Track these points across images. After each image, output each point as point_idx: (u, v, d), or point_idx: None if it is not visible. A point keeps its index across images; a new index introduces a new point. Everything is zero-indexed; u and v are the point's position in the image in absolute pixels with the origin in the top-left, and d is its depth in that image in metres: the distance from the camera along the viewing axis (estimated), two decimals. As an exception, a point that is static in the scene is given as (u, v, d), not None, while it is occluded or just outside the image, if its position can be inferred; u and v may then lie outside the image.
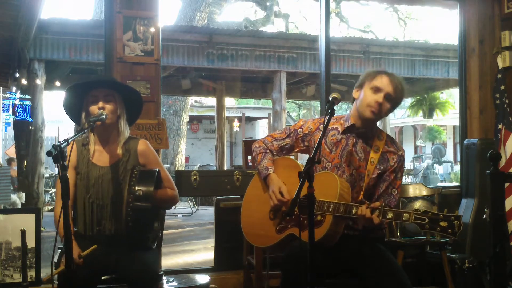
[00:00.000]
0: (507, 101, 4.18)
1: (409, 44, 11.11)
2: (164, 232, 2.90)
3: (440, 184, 11.31)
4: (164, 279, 2.95)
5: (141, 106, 2.62)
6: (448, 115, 12.53)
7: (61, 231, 2.06)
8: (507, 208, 3.77)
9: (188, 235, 7.63)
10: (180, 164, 12.41)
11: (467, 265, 3.65)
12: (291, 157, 2.61)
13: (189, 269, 4.05)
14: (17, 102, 10.86)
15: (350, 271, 2.37)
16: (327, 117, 2.12)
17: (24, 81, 8.26)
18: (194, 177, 3.74)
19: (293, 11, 31.26)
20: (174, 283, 3.06)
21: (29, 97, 8.86)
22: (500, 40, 4.29)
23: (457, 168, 16.59)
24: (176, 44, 8.37)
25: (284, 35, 10.70)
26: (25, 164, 8.31)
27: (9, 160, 10.95)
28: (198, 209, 10.62)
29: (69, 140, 2.04)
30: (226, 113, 12.47)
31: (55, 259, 2.41)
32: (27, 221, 3.26)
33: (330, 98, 2.20)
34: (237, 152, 20.64)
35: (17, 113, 10.42)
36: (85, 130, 2.32)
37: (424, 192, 3.69)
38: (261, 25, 14.89)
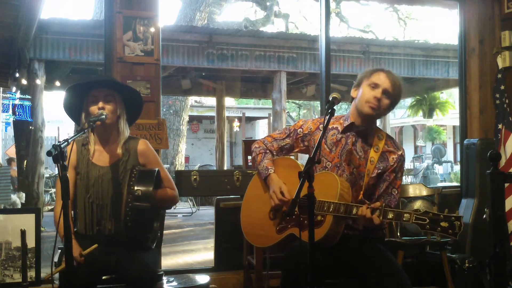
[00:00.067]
0: (507, 101, 4.18)
1: (409, 44, 11.11)
2: (164, 232, 2.90)
3: (440, 184, 11.31)
4: (164, 279, 2.94)
5: (141, 106, 2.62)
6: (448, 115, 12.53)
7: (61, 231, 2.06)
8: (507, 208, 3.77)
9: (188, 235, 7.63)
10: (180, 164, 12.41)
11: (467, 265, 3.65)
12: (291, 157, 2.61)
13: (189, 269, 4.05)
14: (17, 102, 10.86)
15: (350, 271, 2.37)
16: (327, 117, 2.12)
17: (24, 81, 8.27)
18: (194, 177, 3.74)
19: (293, 11, 31.27)
20: (174, 283, 3.06)
21: (29, 97, 8.86)
22: (500, 40, 4.29)
23: (457, 168, 16.59)
24: (176, 44, 8.37)
25: (284, 35, 10.70)
26: (25, 164, 8.31)
27: (9, 160, 10.95)
28: (198, 209, 10.62)
29: (69, 140, 2.04)
30: (226, 113, 12.47)
31: (56, 259, 2.42)
32: (27, 221, 3.26)
33: (330, 98, 2.20)
34: (237, 152, 20.64)
35: (17, 113, 10.42)
36: (85, 130, 2.32)
37: (424, 192, 3.69)
38: (261, 25, 14.89)
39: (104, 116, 2.35)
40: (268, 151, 2.54)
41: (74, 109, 2.50)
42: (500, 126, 4.14)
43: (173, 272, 3.71)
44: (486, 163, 3.32)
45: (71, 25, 7.74)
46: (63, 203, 1.91)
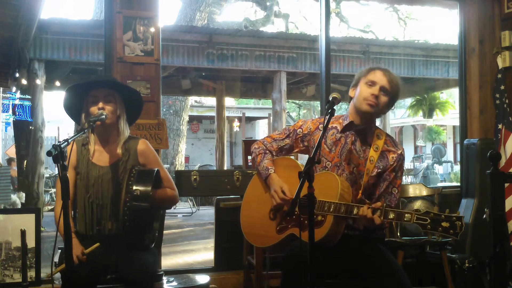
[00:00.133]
0: (507, 101, 4.18)
1: (409, 44, 11.12)
2: (164, 232, 2.91)
3: (440, 184, 11.32)
4: (164, 279, 2.94)
5: (141, 106, 2.62)
6: (448, 115, 12.53)
7: (62, 230, 2.06)
8: (507, 208, 3.77)
9: (188, 235, 7.63)
10: (180, 164, 12.41)
11: (467, 265, 3.65)
12: (291, 157, 2.60)
13: (189, 269, 4.05)
14: (17, 102, 10.86)
15: (351, 271, 2.37)
16: (327, 117, 2.12)
17: (24, 81, 8.26)
18: (194, 177, 3.74)
19: (293, 11, 31.26)
20: (174, 283, 3.06)
21: (29, 97, 8.86)
22: (500, 40, 4.29)
23: (457, 168, 16.59)
24: (176, 44, 8.37)
25: (284, 35, 10.70)
26: (25, 164, 8.31)
27: (9, 160, 10.95)
28: (198, 209, 10.62)
29: (69, 140, 2.04)
30: (226, 113, 12.47)
31: (56, 259, 2.42)
32: (27, 221, 3.26)
33: (330, 98, 2.20)
34: (237, 152, 20.64)
35: (17, 113, 10.43)
36: (85, 130, 2.32)
37: (424, 192, 3.69)
38: (261, 25, 14.89)
39: (104, 116, 2.36)
40: (267, 151, 2.54)
41: (74, 109, 2.50)
42: (500, 126, 4.14)
43: (173, 272, 3.71)
44: (486, 163, 3.32)
45: (71, 25, 7.74)
46: (63, 203, 1.91)
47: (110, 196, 2.42)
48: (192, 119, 18.70)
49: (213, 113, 13.44)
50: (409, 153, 19.87)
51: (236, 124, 19.76)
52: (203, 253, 6.05)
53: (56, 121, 16.88)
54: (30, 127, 8.12)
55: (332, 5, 15.39)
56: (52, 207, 9.98)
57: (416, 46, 10.42)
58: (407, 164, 16.75)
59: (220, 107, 11.67)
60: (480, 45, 4.38)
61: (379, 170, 2.39)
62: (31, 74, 7.78)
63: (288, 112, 19.42)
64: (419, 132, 22.09)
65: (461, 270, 3.65)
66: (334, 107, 2.17)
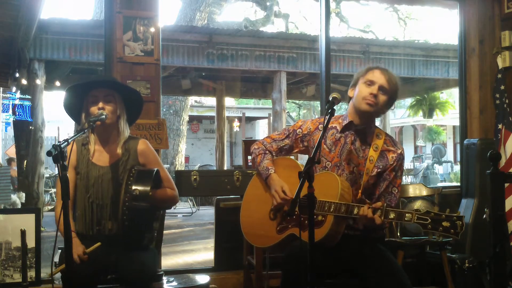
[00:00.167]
0: (507, 101, 4.18)
1: (409, 44, 11.11)
2: (164, 232, 2.90)
3: (440, 184, 11.31)
4: (164, 279, 2.95)
5: (141, 106, 2.62)
6: (448, 115, 12.53)
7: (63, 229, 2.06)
8: (507, 208, 3.77)
9: (188, 235, 7.63)
10: (180, 164, 12.41)
11: (467, 265, 3.65)
12: (291, 157, 2.60)
13: (189, 269, 4.05)
14: (17, 102, 10.86)
15: (351, 271, 2.36)
16: (327, 117, 2.12)
17: (24, 81, 8.26)
18: (194, 177, 3.74)
19: (293, 11, 31.26)
20: (174, 283, 3.06)
21: (29, 97, 8.86)
22: (500, 40, 4.29)
23: (457, 168, 16.59)
24: (176, 44, 8.37)
25: (284, 35, 10.70)
26: (25, 164, 8.31)
27: (9, 160, 10.95)
28: (198, 209, 10.62)
29: (69, 140, 2.04)
30: (226, 113, 12.47)
31: (56, 259, 2.42)
32: (27, 221, 3.26)
33: (330, 98, 2.20)
34: (237, 152, 20.64)
35: (17, 113, 10.42)
36: (85, 130, 2.32)
37: (424, 192, 3.69)
38: (261, 25, 14.89)
39: (104, 116, 2.36)
40: (267, 151, 2.54)
41: (74, 109, 2.51)
42: (500, 126, 4.14)
43: (173, 272, 3.71)
44: (486, 163, 3.32)
45: (71, 25, 7.74)
46: (63, 203, 1.91)
47: (110, 196, 2.42)
48: (192, 119, 18.70)
49: (213, 113, 13.44)
50: (409, 153, 19.87)
51: (236, 124, 19.76)
52: (203, 253, 6.05)
53: (56, 121, 16.88)
54: (30, 127, 8.12)
55: (332, 5, 15.39)
56: (52, 207, 9.98)
57: (416, 46, 10.42)
58: (407, 164, 16.75)
59: (220, 107, 11.67)
60: (480, 45, 4.38)
61: (379, 170, 2.39)
62: (31, 74, 7.78)
63: (288, 112, 19.42)
64: (419, 132, 22.09)
65: (461, 270, 3.65)
66: (334, 107, 2.17)
